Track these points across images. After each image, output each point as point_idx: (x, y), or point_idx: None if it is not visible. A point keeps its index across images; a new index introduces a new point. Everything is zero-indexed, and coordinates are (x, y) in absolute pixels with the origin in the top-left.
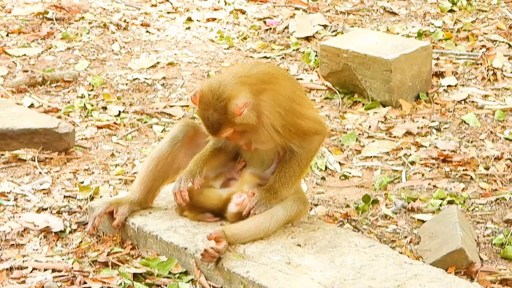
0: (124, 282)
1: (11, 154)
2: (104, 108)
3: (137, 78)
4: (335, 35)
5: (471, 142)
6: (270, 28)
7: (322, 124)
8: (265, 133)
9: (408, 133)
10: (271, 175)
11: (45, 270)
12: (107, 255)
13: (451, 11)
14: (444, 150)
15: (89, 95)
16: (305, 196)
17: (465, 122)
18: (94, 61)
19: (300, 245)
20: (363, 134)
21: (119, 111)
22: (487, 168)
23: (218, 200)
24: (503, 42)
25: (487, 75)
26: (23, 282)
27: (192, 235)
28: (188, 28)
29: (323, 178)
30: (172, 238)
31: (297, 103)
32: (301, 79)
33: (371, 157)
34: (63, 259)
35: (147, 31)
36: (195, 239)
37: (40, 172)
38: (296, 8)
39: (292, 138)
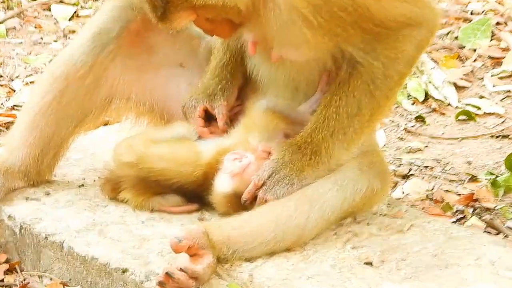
0: None
1: None
2: None
3: None
4: None
5: None
6: None
7: (424, 5)
8: (285, 26)
9: None
10: (310, 114)
11: None
12: None
13: None
14: None
15: None
16: (383, 159)
17: None
18: None
19: (371, 263)
20: (505, 23)
21: None
22: None
23: (193, 166)
24: None
25: None
26: None
27: (139, 241)
28: None
29: (420, 120)
30: (97, 247)
31: None
32: None
33: None
34: None
35: None
36: (144, 250)
37: None
38: None
39: (350, 35)
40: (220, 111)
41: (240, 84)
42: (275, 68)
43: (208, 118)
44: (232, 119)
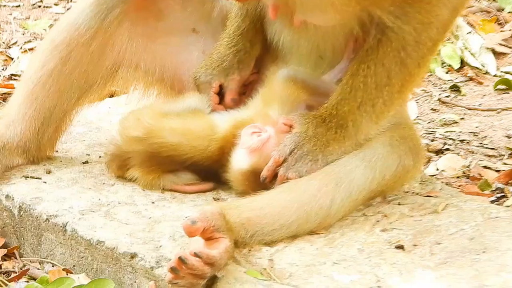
0: None
1: None
2: None
3: None
4: None
5: None
6: None
7: None
8: None
9: None
10: (335, 84)
11: None
12: None
13: None
14: None
15: None
16: (416, 133)
17: None
18: None
19: (402, 247)
20: None
21: None
22: None
23: (208, 140)
24: None
25: None
26: None
27: (149, 223)
28: None
29: (455, 89)
30: (103, 230)
31: None
32: None
33: None
34: None
35: None
36: (154, 234)
37: None
38: None
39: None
40: (230, 86)
41: (258, 54)
42: (298, 34)
43: (223, 93)
44: (248, 89)
